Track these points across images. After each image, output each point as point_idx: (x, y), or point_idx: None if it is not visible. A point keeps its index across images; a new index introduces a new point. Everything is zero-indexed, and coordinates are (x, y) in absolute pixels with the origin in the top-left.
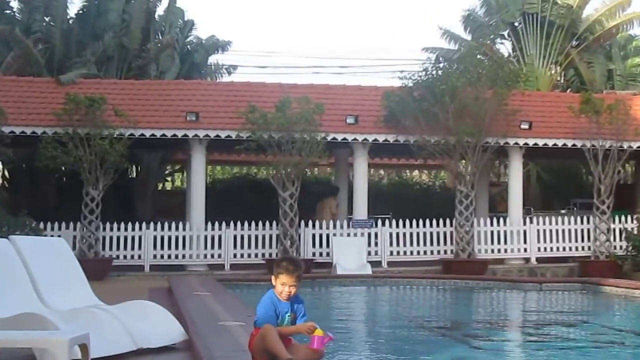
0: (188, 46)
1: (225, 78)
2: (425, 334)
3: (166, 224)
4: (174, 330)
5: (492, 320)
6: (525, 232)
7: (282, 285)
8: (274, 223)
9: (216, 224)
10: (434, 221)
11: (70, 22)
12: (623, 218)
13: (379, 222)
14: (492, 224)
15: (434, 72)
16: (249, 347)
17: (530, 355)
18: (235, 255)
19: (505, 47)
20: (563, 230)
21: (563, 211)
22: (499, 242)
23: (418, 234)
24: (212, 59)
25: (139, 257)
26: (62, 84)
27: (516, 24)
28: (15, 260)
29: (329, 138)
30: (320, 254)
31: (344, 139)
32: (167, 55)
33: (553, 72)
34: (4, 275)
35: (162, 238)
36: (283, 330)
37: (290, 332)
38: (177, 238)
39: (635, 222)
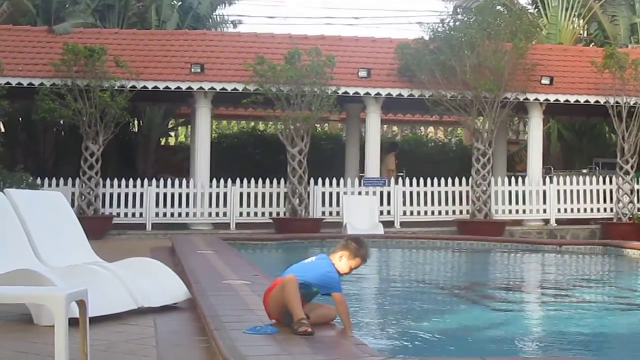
0: None
1: (232, 30)
2: (440, 295)
3: (169, 181)
4: (176, 289)
5: (509, 283)
6: (544, 192)
7: (350, 268)
8: (282, 180)
9: (221, 181)
10: (449, 180)
11: None
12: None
13: (392, 180)
14: (510, 184)
15: (451, 24)
16: (265, 296)
17: (547, 318)
18: (241, 214)
19: None
20: (584, 191)
21: (584, 171)
22: (517, 203)
23: (432, 193)
24: (217, 12)
25: (141, 215)
26: (56, 34)
27: None
28: (11, 215)
29: (340, 92)
30: (330, 213)
31: (356, 93)
32: (168, 4)
33: (575, 25)
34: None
35: (165, 195)
36: (344, 310)
37: (345, 319)
38: (180, 195)
39: None
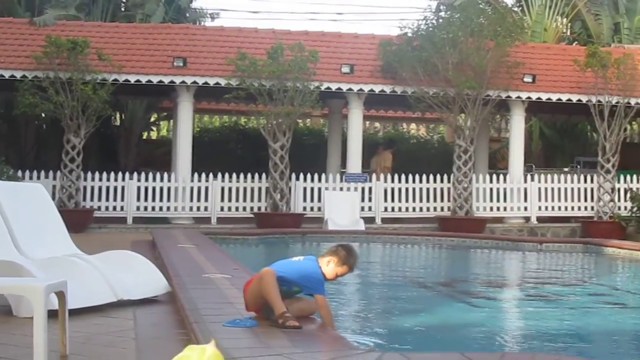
0: None
1: (209, 23)
2: (420, 291)
3: (150, 175)
4: (156, 282)
5: (490, 279)
6: (526, 190)
7: (336, 275)
8: (264, 175)
9: (203, 175)
10: (431, 177)
11: None
12: (628, 178)
13: (373, 176)
14: (491, 181)
15: (434, 21)
16: (244, 289)
17: (527, 314)
18: (222, 209)
19: None
20: (565, 189)
21: (566, 169)
22: (498, 200)
23: (414, 189)
24: (197, 4)
25: (122, 208)
26: (37, 25)
27: None
28: None
29: (322, 87)
30: (312, 209)
31: (339, 88)
32: None
33: (559, 23)
34: None
35: (146, 189)
36: (326, 312)
37: (328, 321)
38: (161, 189)
39: None
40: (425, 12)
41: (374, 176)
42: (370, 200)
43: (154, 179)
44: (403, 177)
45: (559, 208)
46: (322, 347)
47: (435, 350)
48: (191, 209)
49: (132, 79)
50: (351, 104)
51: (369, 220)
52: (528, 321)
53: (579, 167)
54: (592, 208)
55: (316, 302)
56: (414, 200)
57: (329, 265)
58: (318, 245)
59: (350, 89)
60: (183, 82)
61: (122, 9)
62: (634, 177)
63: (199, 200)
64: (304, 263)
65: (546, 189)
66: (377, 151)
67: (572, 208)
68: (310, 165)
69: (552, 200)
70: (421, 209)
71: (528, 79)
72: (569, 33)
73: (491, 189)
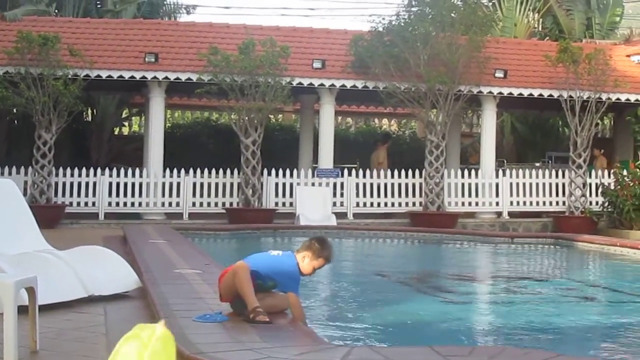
0: None
1: (185, 18)
2: (392, 286)
3: (122, 170)
4: (127, 278)
5: (461, 274)
6: (497, 185)
7: (313, 269)
8: (236, 171)
9: (175, 171)
10: (403, 172)
11: None
12: (600, 173)
13: (345, 171)
14: (463, 176)
15: (405, 17)
16: (219, 280)
17: (498, 309)
18: (194, 204)
19: None
20: (537, 184)
21: (537, 164)
22: (470, 195)
23: (386, 185)
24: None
25: (93, 204)
26: (7, 20)
27: None
28: None
29: (294, 83)
30: (284, 204)
31: (310, 84)
32: None
33: (531, 19)
34: None
35: (118, 185)
36: (298, 310)
37: (300, 318)
38: (133, 185)
39: (612, 177)
40: (397, 8)
41: (345, 172)
42: (342, 195)
43: (126, 175)
44: (375, 172)
45: (531, 203)
46: (292, 342)
47: (405, 345)
48: (163, 204)
49: (104, 74)
50: (323, 100)
51: (340, 215)
52: (498, 315)
53: (550, 162)
54: (564, 203)
55: (289, 300)
56: (385, 196)
57: (304, 261)
58: (290, 240)
59: (321, 85)
60: (154, 77)
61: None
62: (605, 172)
63: (170, 195)
64: (281, 259)
65: (518, 184)
66: (376, 147)
67: (544, 203)
68: (282, 161)
69: (524, 195)
70: (393, 204)
71: (499, 74)
72: (540, 28)
73: (463, 184)
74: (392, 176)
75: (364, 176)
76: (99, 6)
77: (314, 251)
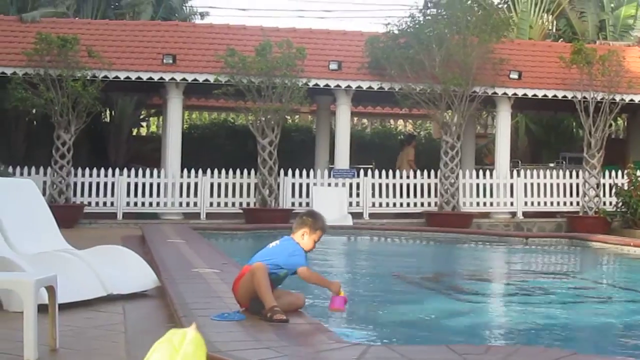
0: None
1: (199, 22)
2: (407, 285)
3: (140, 171)
4: (146, 277)
5: (476, 274)
6: (512, 185)
7: (314, 242)
8: (252, 171)
9: (192, 171)
10: (418, 172)
11: None
12: (613, 173)
13: (361, 172)
14: (478, 177)
15: (420, 18)
16: (234, 285)
17: (514, 309)
18: (211, 204)
19: None
20: (551, 185)
21: (552, 165)
22: (484, 196)
23: (401, 185)
24: (189, 3)
25: (112, 204)
26: (24, 22)
27: None
28: None
29: (310, 84)
30: (300, 204)
31: (327, 85)
32: None
33: (545, 21)
34: None
35: (136, 185)
36: (314, 277)
37: (321, 283)
38: (151, 185)
39: (625, 177)
40: (412, 10)
41: (361, 172)
42: (358, 195)
43: (144, 175)
44: (390, 172)
45: (545, 203)
46: (309, 341)
47: (422, 344)
48: (180, 204)
49: (122, 75)
50: (339, 101)
51: (356, 215)
52: (513, 315)
53: (564, 162)
54: (578, 203)
55: (301, 275)
56: (401, 196)
57: (304, 238)
58: None
59: (338, 86)
60: (172, 79)
61: (113, 7)
62: (619, 172)
63: (188, 195)
64: (282, 245)
65: (532, 184)
66: (402, 148)
67: (558, 203)
68: (298, 161)
69: (538, 195)
70: (408, 205)
71: (514, 75)
72: (554, 30)
73: (478, 185)
74: (408, 177)
75: (380, 176)
76: (114, 9)
77: (309, 226)
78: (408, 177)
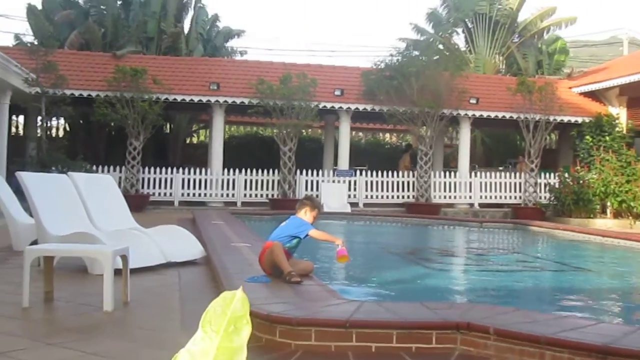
0: (212, 32)
1: (238, 57)
2: (391, 257)
3: (192, 170)
4: (195, 249)
5: (443, 249)
6: (470, 183)
7: (314, 218)
8: (276, 171)
9: (231, 170)
10: (400, 173)
11: (119, 6)
12: (547, 175)
13: (358, 172)
14: (445, 176)
15: (403, 57)
16: (260, 258)
17: (471, 275)
18: (245, 195)
19: (460, 40)
20: (500, 183)
21: (501, 168)
22: (450, 191)
23: (387, 182)
24: (229, 44)
25: (170, 194)
26: (117, 57)
27: (469, 22)
28: (73, 192)
29: (320, 106)
30: (316, 198)
31: (332, 107)
32: (194, 38)
33: (497, 60)
34: (64, 203)
35: (189, 180)
36: (322, 235)
37: (329, 239)
38: (200, 181)
39: (556, 178)
40: (397, 51)
41: (357, 172)
42: (355, 190)
43: (194, 173)
44: (379, 173)
45: (495, 197)
46: (317, 297)
47: (403, 301)
48: (222, 195)
49: (179, 98)
50: (341, 119)
51: (354, 205)
52: (471, 280)
53: (510, 166)
54: (520, 197)
55: (313, 235)
56: (387, 190)
57: (307, 215)
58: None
59: (340, 107)
60: (217, 101)
61: (174, 47)
62: (550, 174)
63: (227, 188)
64: (290, 221)
65: (486, 182)
66: (402, 156)
67: (505, 197)
68: (310, 164)
69: (490, 191)
70: (393, 197)
71: (473, 100)
72: (504, 67)
73: (445, 182)
74: (393, 175)
75: (372, 175)
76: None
77: (309, 205)
78: (393, 175)
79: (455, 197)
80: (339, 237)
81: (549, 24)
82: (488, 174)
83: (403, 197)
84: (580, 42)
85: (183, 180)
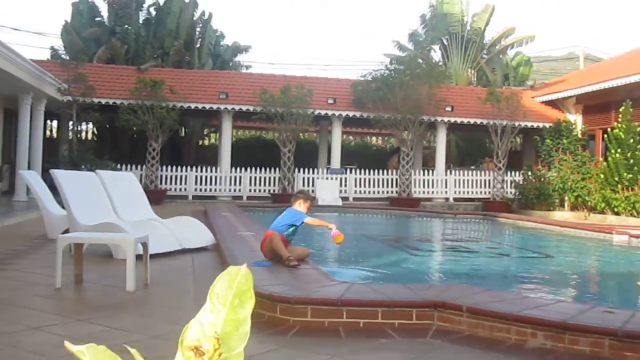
0: (220, 48)
1: (244, 71)
2: (377, 244)
3: (204, 168)
4: (206, 237)
5: (422, 237)
6: (446, 180)
7: (307, 208)
8: (277, 169)
9: (238, 169)
10: (385, 171)
11: (140, 25)
12: (513, 173)
13: (348, 171)
14: (424, 174)
15: (387, 71)
16: (261, 245)
17: (447, 259)
18: (250, 190)
19: (436, 55)
20: (472, 180)
21: (472, 167)
22: (428, 186)
23: (374, 179)
24: (237, 58)
25: (185, 190)
26: (141, 70)
27: (444, 40)
28: (100, 187)
29: (315, 113)
30: (308, 192)
31: (326, 114)
32: (206, 53)
33: (469, 73)
34: (92, 197)
35: (201, 177)
36: (317, 221)
37: (322, 224)
38: (211, 178)
39: (521, 176)
40: (383, 64)
41: (348, 171)
42: (346, 186)
43: (206, 170)
44: (367, 171)
45: (468, 192)
46: (311, 279)
47: (387, 282)
48: (230, 190)
49: (192, 106)
50: (334, 124)
51: (345, 199)
52: (447, 263)
53: (480, 165)
54: (489, 192)
55: (308, 222)
56: (374, 186)
57: (301, 206)
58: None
59: (333, 114)
60: (225, 108)
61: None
62: (516, 172)
63: (235, 184)
64: (287, 212)
65: (459, 179)
66: (391, 157)
67: (476, 192)
68: (307, 163)
69: (463, 187)
70: (379, 192)
71: (448, 108)
72: (475, 79)
73: (424, 179)
74: (379, 173)
75: (360, 173)
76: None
77: (302, 198)
78: (379, 173)
79: (432, 192)
80: (332, 222)
81: (512, 41)
82: (461, 172)
83: (387, 192)
84: (542, 57)
85: (196, 177)
